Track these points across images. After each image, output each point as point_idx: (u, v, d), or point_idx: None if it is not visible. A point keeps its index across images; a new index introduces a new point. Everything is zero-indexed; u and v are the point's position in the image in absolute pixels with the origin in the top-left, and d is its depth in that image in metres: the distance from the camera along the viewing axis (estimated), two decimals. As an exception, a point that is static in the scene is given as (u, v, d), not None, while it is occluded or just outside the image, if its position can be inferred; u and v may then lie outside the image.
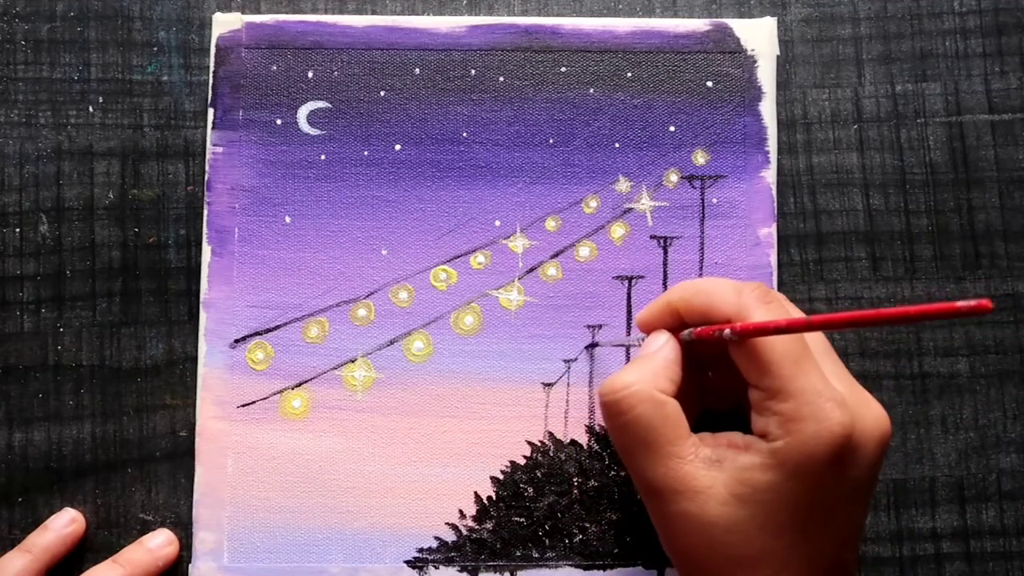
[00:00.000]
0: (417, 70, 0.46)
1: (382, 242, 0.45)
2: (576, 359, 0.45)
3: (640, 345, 0.39)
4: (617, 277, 0.45)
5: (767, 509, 0.34)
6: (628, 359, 0.45)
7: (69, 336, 0.45)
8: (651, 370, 0.36)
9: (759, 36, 0.46)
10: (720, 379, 0.39)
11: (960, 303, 0.26)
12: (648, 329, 0.39)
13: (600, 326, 0.45)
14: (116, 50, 0.47)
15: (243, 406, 0.44)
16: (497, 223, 0.45)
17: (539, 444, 0.44)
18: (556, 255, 0.45)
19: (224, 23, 0.46)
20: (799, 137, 0.46)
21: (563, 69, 0.46)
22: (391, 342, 0.45)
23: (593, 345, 0.45)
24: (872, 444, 0.35)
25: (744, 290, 0.36)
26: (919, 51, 0.47)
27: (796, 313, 0.37)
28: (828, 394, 0.33)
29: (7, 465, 0.45)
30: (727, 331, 0.34)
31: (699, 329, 0.36)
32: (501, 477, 0.44)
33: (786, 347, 0.34)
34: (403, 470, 0.44)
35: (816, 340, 0.37)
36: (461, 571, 0.43)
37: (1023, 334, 0.46)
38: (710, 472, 0.35)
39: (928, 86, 0.47)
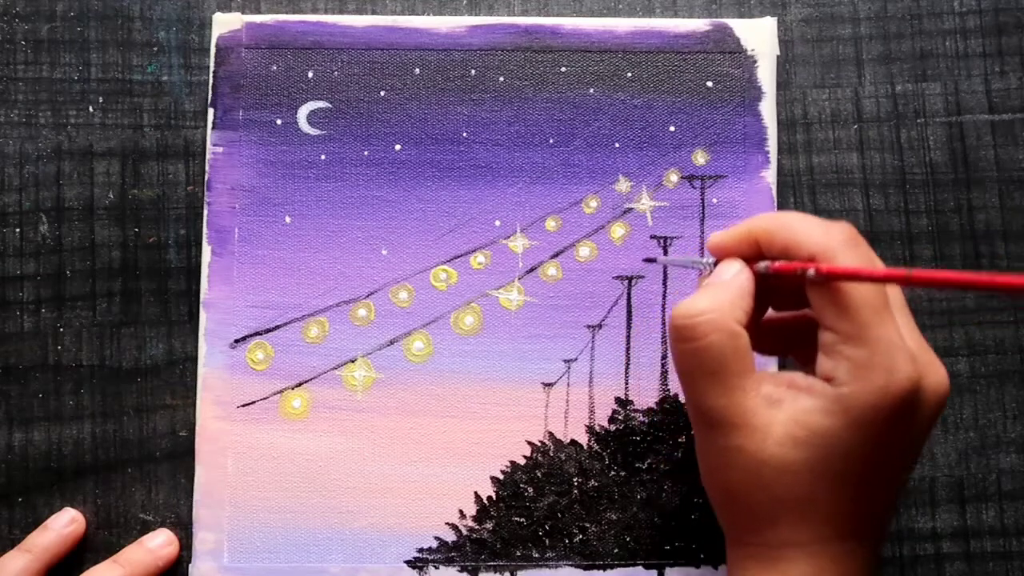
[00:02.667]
0: (417, 70, 0.46)
1: (382, 242, 0.45)
2: (576, 359, 0.45)
3: (707, 268, 0.38)
4: (617, 277, 0.45)
5: (822, 454, 0.34)
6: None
7: (69, 336, 0.45)
8: (727, 299, 0.35)
9: (759, 36, 0.46)
10: (773, 324, 0.39)
11: None
12: (722, 254, 0.37)
13: (600, 326, 0.45)
14: (116, 50, 0.47)
15: (243, 406, 0.44)
16: (497, 223, 0.45)
17: (539, 444, 0.44)
18: (556, 255, 0.45)
19: (224, 23, 0.46)
20: (799, 137, 0.46)
21: (563, 69, 0.46)
22: (391, 342, 0.45)
23: (650, 260, 0.44)
24: (932, 404, 0.35)
25: (832, 229, 0.35)
26: (919, 51, 0.47)
27: (881, 264, 0.37)
28: (903, 348, 0.33)
29: (7, 465, 0.45)
30: (811, 271, 0.34)
31: (778, 264, 0.35)
32: (501, 477, 0.44)
33: (869, 294, 0.33)
34: (403, 470, 0.44)
35: (894, 294, 0.36)
36: (461, 571, 0.43)
37: (1023, 334, 0.46)
38: (770, 410, 0.34)
39: (928, 86, 0.47)
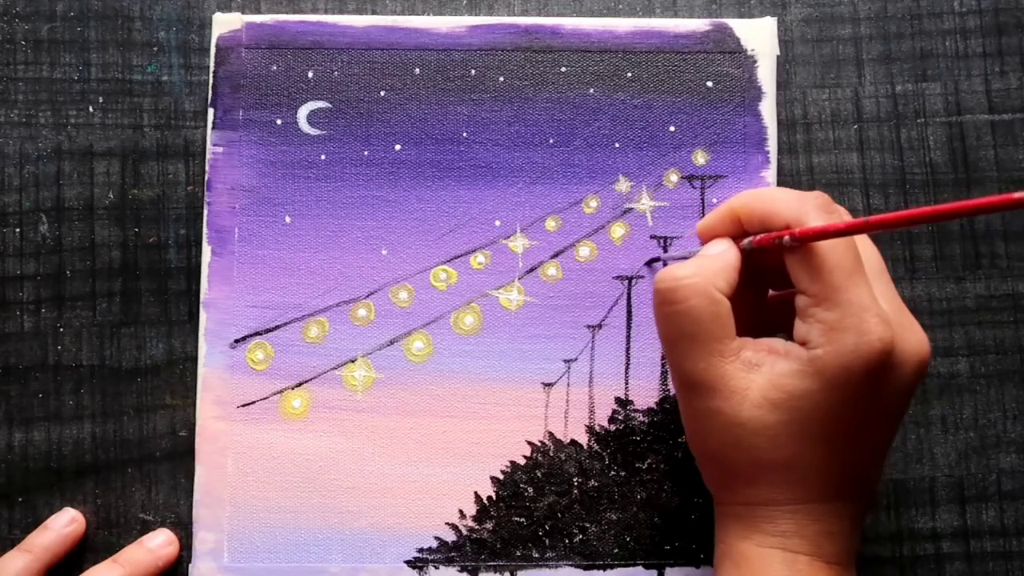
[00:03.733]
0: (417, 70, 0.46)
1: (382, 242, 0.45)
2: (576, 359, 0.45)
3: None
4: (617, 277, 0.45)
5: (799, 416, 0.34)
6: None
7: (69, 336, 0.45)
8: (711, 268, 0.36)
9: (759, 36, 0.46)
10: (770, 310, 0.40)
11: (1017, 194, 0.27)
12: (708, 237, 0.39)
13: (600, 326, 0.45)
14: (116, 50, 0.47)
15: (243, 406, 0.44)
16: (497, 223, 0.45)
17: (539, 444, 0.44)
18: (556, 255, 0.45)
19: (224, 23, 0.46)
20: (799, 137, 0.46)
21: (563, 69, 0.46)
22: (391, 342, 0.45)
23: (654, 260, 0.45)
24: (910, 366, 0.35)
25: (807, 198, 0.36)
26: (919, 51, 0.47)
27: None
28: (874, 309, 0.34)
29: (7, 465, 0.45)
30: (786, 237, 0.35)
31: (759, 237, 0.36)
32: (501, 477, 0.44)
33: (841, 257, 0.34)
34: (403, 470, 0.44)
35: (871, 259, 0.37)
36: (461, 571, 0.43)
37: (1023, 334, 0.46)
38: (748, 375, 0.35)
39: (928, 86, 0.47)
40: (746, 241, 0.37)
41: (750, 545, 0.36)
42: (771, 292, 0.41)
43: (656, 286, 0.37)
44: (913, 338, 0.35)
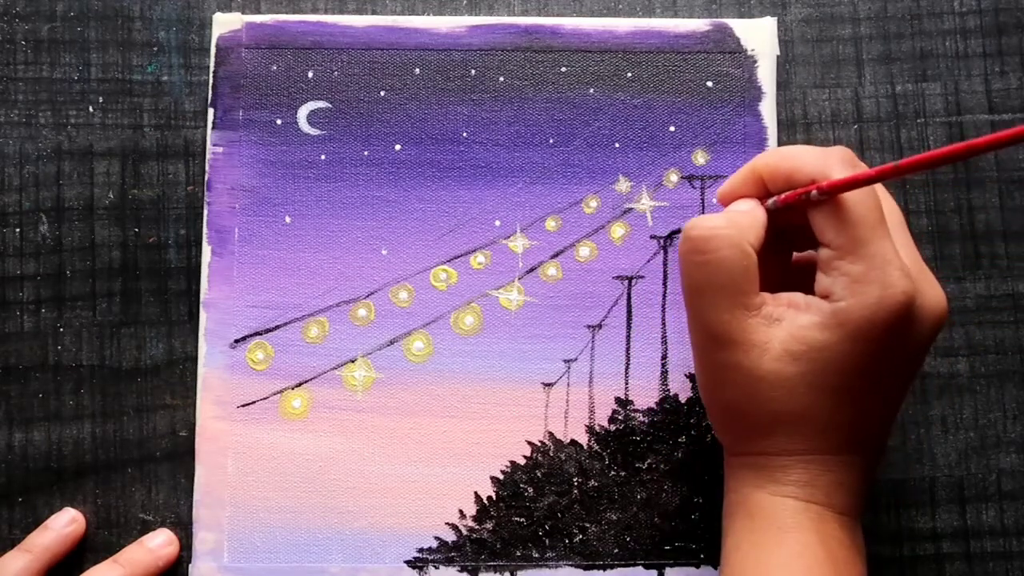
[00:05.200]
0: (417, 70, 0.46)
1: (382, 242, 0.45)
2: (576, 359, 0.45)
3: None
4: (617, 277, 0.45)
5: (818, 368, 0.35)
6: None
7: (69, 336, 0.45)
8: (742, 221, 0.36)
9: (759, 36, 0.46)
10: (787, 272, 0.40)
11: None
12: (730, 200, 0.39)
13: (600, 326, 0.45)
14: (116, 50, 0.47)
15: (243, 406, 0.44)
16: (497, 223, 0.45)
17: (539, 444, 0.44)
18: (556, 255, 0.45)
19: (224, 23, 0.46)
20: (799, 137, 0.46)
21: (563, 69, 0.46)
22: (391, 342, 0.45)
23: (675, 233, 0.45)
24: (929, 321, 0.36)
25: (830, 152, 0.36)
26: (919, 51, 0.47)
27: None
28: (897, 263, 0.34)
29: (7, 465, 0.45)
30: (814, 192, 0.35)
31: (784, 195, 0.37)
32: (501, 477, 0.44)
33: (866, 210, 0.34)
34: (403, 470, 0.44)
35: (893, 215, 0.37)
36: (461, 571, 0.43)
37: (1023, 334, 0.46)
38: (769, 329, 0.36)
39: (928, 86, 0.47)
40: (771, 201, 0.37)
41: (763, 494, 0.37)
42: (795, 255, 0.41)
43: (687, 233, 0.37)
44: (932, 292, 0.36)
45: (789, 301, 0.36)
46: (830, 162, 0.36)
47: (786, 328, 0.35)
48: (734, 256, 0.36)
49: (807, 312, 0.35)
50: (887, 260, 0.34)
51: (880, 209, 0.35)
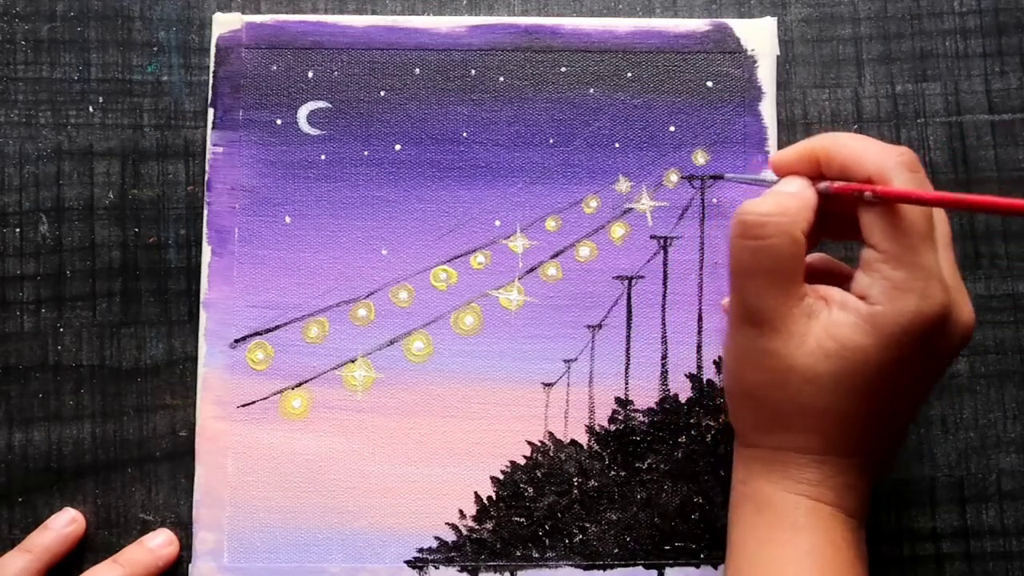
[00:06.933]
0: (417, 70, 0.46)
1: (382, 242, 0.45)
2: (576, 359, 0.45)
3: (772, 186, 0.39)
4: (617, 277, 0.45)
5: (848, 368, 0.35)
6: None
7: (69, 336, 0.45)
8: (794, 207, 0.36)
9: (759, 36, 0.46)
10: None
11: None
12: (784, 172, 0.38)
13: (600, 326, 0.45)
14: (116, 50, 0.47)
15: (243, 406, 0.44)
16: (497, 223, 0.45)
17: (539, 444, 0.44)
18: (556, 255, 0.45)
19: (224, 23, 0.46)
20: (799, 137, 0.46)
21: (563, 69, 0.46)
22: (391, 342, 0.45)
23: (718, 176, 0.45)
24: (958, 336, 0.36)
25: (892, 153, 0.36)
26: (919, 51, 0.47)
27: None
28: (939, 276, 0.35)
29: (7, 465, 0.45)
30: (868, 193, 0.35)
31: (838, 185, 0.36)
32: (501, 477, 0.44)
33: (918, 219, 0.34)
34: (403, 470, 0.44)
35: (942, 229, 0.37)
36: (461, 571, 0.43)
37: (1023, 334, 0.46)
38: (808, 320, 0.36)
39: (928, 86, 0.47)
40: (823, 185, 0.37)
41: (776, 489, 0.37)
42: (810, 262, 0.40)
43: (740, 218, 0.36)
44: (965, 308, 0.36)
45: (826, 294, 0.36)
46: (890, 164, 0.35)
47: (822, 322, 0.35)
48: (784, 244, 0.35)
49: (843, 310, 0.35)
50: (930, 272, 0.34)
51: (931, 220, 0.35)
